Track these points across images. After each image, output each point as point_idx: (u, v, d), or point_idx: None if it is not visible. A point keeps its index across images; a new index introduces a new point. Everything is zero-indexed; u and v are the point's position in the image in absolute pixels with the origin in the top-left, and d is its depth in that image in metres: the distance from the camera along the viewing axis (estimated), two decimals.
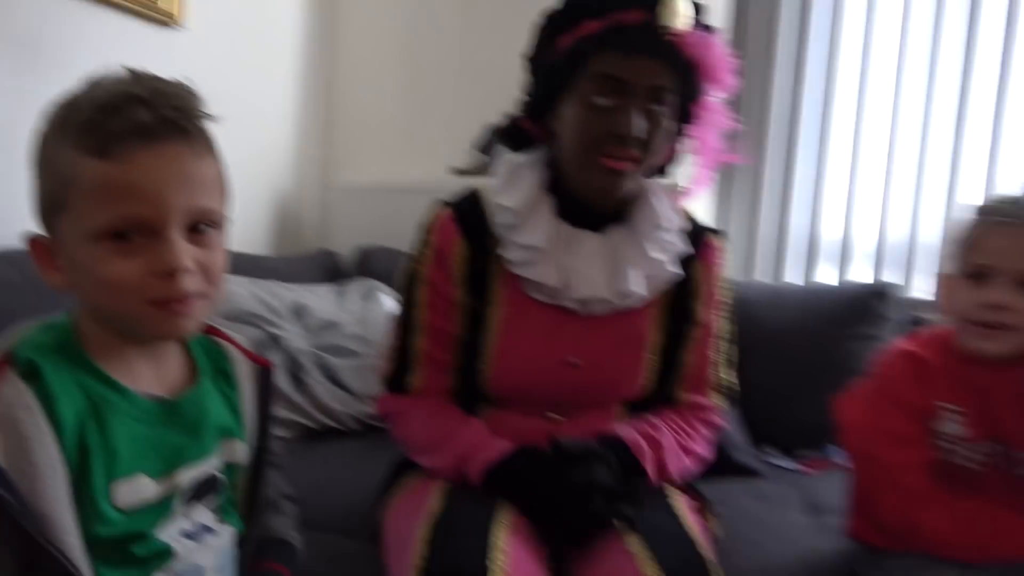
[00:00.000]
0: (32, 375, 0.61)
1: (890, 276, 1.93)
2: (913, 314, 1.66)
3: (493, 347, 1.07)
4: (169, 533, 0.69)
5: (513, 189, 1.05)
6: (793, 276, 2.07)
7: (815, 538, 1.18)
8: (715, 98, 1.06)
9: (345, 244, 2.20)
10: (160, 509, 0.69)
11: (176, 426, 0.70)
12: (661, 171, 1.12)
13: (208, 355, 0.77)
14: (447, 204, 1.11)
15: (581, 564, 0.95)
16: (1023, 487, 0.98)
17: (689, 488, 1.11)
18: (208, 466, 0.73)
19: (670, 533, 0.95)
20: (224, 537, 0.75)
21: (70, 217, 0.63)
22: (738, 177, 2.11)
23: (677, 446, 1.07)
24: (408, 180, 2.26)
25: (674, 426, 1.09)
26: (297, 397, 1.50)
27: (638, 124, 0.97)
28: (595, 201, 1.06)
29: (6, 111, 1.39)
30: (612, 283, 1.04)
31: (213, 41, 1.97)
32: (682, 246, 1.08)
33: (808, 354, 1.64)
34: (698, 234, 1.11)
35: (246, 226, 2.04)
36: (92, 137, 0.61)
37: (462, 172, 2.25)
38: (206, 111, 0.67)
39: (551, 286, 1.04)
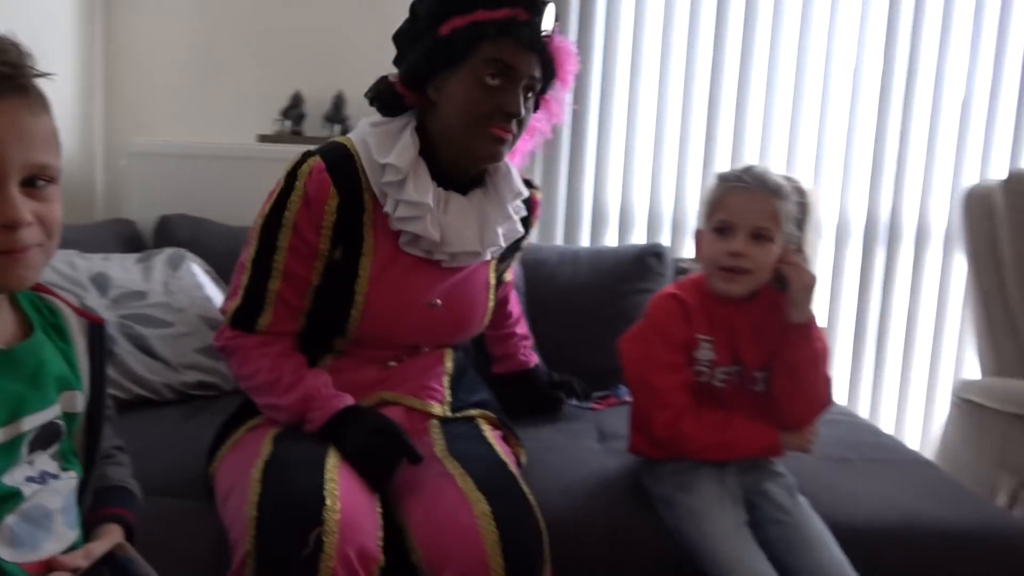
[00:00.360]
0: None
1: (662, 239, 2.24)
2: (680, 267, 1.95)
3: (364, 294, 1.14)
4: (15, 478, 0.70)
5: (394, 150, 1.12)
6: (583, 240, 2.31)
7: (605, 459, 1.38)
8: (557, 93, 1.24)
9: (140, 212, 2.08)
10: (6, 455, 0.69)
11: (16, 376, 0.71)
12: None
13: (38, 312, 0.77)
14: (318, 154, 1.14)
15: (406, 488, 1.06)
16: (757, 400, 1.24)
17: (499, 423, 1.27)
18: (49, 414, 0.74)
19: (482, 457, 1.10)
20: (67, 482, 0.77)
21: None
22: (537, 153, 2.30)
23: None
24: (209, 146, 2.18)
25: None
26: (111, 370, 1.44)
27: (520, 105, 1.12)
28: (471, 165, 1.18)
29: None
30: (482, 238, 1.18)
31: None
32: (523, 208, 1.28)
33: (597, 307, 1.86)
34: (527, 199, 1.30)
35: None
36: None
37: (268, 139, 2.23)
38: (38, 67, 0.67)
39: (430, 240, 1.14)
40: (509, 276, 1.44)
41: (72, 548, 0.75)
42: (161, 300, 1.60)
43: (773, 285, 1.21)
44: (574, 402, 1.68)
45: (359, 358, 1.19)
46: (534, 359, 1.56)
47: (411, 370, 1.22)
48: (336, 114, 2.23)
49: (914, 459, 1.52)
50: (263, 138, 2.22)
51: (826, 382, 1.20)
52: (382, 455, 1.05)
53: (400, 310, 1.16)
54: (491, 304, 1.29)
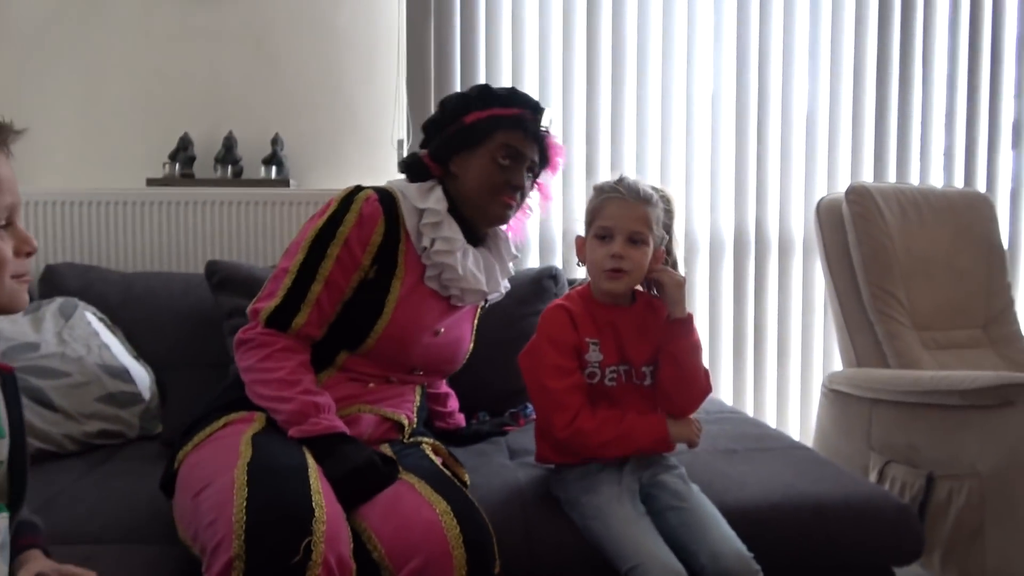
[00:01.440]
0: None
1: (555, 261, 2.38)
2: (572, 284, 2.07)
3: (392, 308, 1.33)
4: None
5: (431, 199, 1.37)
6: None
7: (516, 472, 1.46)
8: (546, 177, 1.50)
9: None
10: None
11: None
12: None
13: None
14: (370, 189, 1.35)
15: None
16: (645, 395, 1.35)
17: (442, 451, 1.40)
18: None
19: (433, 471, 1.23)
20: (2, 522, 0.78)
21: None
22: None
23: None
24: (96, 192, 2.13)
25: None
26: None
27: (524, 180, 1.40)
28: (484, 224, 1.44)
29: None
30: (489, 283, 1.43)
31: None
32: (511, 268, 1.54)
33: (500, 330, 1.93)
34: None
35: None
36: None
37: (156, 182, 2.20)
38: None
39: (450, 277, 1.36)
40: None
41: None
42: (55, 351, 1.55)
43: (650, 292, 1.37)
44: (487, 424, 1.77)
45: (351, 374, 1.34)
46: (462, 421, 1.76)
47: (388, 393, 1.38)
48: (228, 155, 2.23)
49: (793, 446, 1.68)
50: (151, 182, 2.19)
51: (704, 373, 1.34)
52: (370, 483, 1.15)
53: (414, 329, 1.36)
54: (471, 346, 1.53)
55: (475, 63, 2.36)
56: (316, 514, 0.97)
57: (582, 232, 1.39)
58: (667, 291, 1.31)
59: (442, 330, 1.41)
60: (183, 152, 2.23)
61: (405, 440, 1.38)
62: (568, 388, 1.28)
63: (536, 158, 1.42)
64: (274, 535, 0.94)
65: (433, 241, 1.35)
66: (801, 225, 2.54)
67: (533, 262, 2.40)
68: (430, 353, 1.41)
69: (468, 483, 1.38)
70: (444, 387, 1.72)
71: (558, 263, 2.37)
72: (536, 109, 1.42)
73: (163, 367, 1.75)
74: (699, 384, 1.33)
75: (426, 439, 1.41)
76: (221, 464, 1.05)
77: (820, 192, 2.49)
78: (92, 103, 2.26)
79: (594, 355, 1.32)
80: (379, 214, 1.32)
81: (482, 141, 1.38)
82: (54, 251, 2.05)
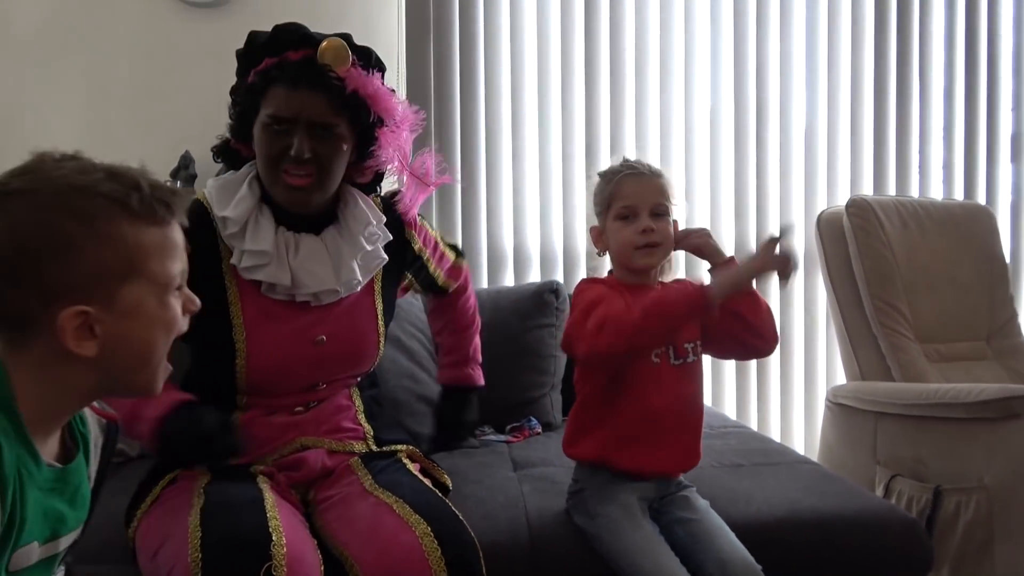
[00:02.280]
0: None
1: (557, 275, 2.37)
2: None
3: (243, 342, 1.16)
4: None
5: (231, 201, 1.16)
6: (482, 283, 2.40)
7: (521, 486, 1.45)
8: (395, 127, 1.23)
9: None
10: (43, 570, 0.72)
11: (62, 495, 0.73)
12: (371, 187, 1.32)
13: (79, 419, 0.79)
14: None
15: (341, 522, 1.09)
16: (689, 375, 1.30)
17: (419, 457, 1.33)
18: (77, 533, 0.76)
19: (411, 485, 1.16)
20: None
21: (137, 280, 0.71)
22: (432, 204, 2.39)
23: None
24: None
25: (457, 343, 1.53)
26: None
27: (303, 147, 1.12)
28: (291, 211, 1.18)
29: None
30: (338, 275, 1.20)
31: None
32: (387, 235, 1.27)
33: (502, 344, 1.93)
34: (394, 216, 1.31)
35: None
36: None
37: None
38: None
39: (283, 284, 1.16)
40: (446, 277, 1.47)
41: None
42: None
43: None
44: (491, 436, 1.75)
45: (265, 408, 1.21)
46: (479, 379, 1.56)
47: (322, 414, 1.25)
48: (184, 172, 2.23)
49: (798, 460, 1.67)
50: None
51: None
52: (215, 446, 1.08)
53: (284, 352, 1.17)
54: (383, 330, 1.29)
55: (474, 79, 2.37)
56: (274, 539, 0.94)
57: (583, 239, 1.36)
58: (704, 247, 1.29)
59: (323, 338, 1.20)
60: (184, 170, 2.23)
61: (373, 449, 1.26)
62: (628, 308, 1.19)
63: (322, 111, 1.13)
64: (231, 564, 0.92)
65: (242, 255, 1.15)
66: (802, 238, 2.54)
67: (534, 276, 2.39)
68: (322, 366, 1.22)
69: (450, 487, 1.33)
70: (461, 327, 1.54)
71: (559, 277, 2.37)
72: (312, 41, 1.14)
73: None
74: (760, 303, 1.31)
75: (399, 446, 1.30)
76: (174, 519, 1.02)
77: (820, 205, 2.49)
78: (94, 121, 2.26)
79: None
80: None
81: (255, 107, 1.15)
82: None
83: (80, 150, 0.76)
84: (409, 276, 1.41)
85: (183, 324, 0.78)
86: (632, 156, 1.35)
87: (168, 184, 0.77)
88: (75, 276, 0.68)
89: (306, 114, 1.12)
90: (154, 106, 2.28)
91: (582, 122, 2.42)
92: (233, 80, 1.23)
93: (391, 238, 1.28)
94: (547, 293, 2.04)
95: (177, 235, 0.76)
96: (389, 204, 1.32)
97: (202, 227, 1.15)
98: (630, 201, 1.27)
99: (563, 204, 2.41)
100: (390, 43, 2.33)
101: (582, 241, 2.39)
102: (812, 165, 2.54)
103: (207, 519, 0.98)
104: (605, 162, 2.43)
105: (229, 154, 1.23)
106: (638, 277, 1.30)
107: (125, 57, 2.27)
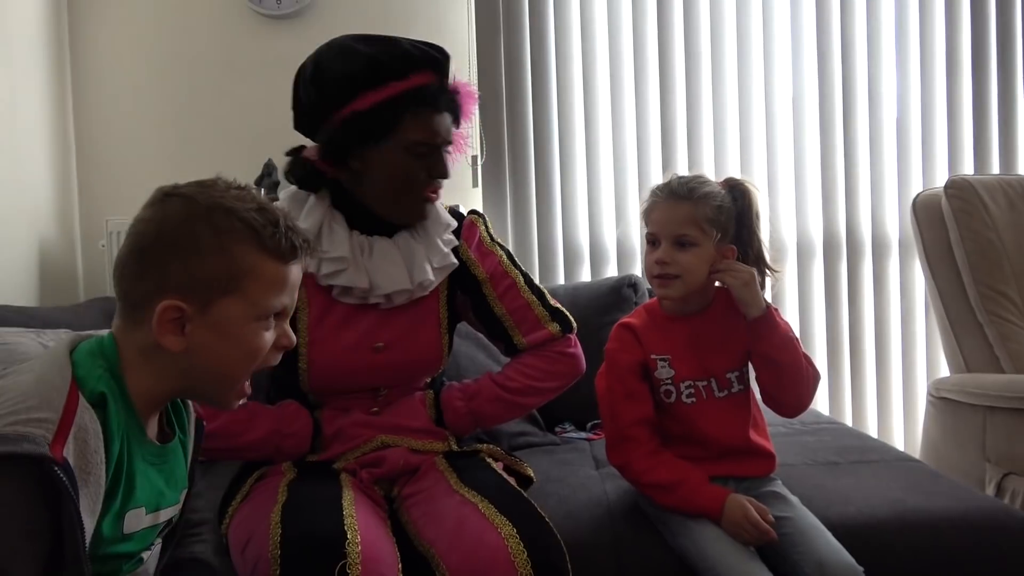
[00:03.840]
0: (98, 405, 0.70)
1: (635, 270, 2.32)
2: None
3: (306, 347, 1.19)
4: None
5: (301, 212, 1.19)
6: (558, 279, 2.38)
7: (604, 484, 1.41)
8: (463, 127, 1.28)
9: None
10: (146, 537, 0.78)
11: (160, 472, 0.80)
12: None
13: (174, 410, 0.87)
14: None
15: (426, 520, 1.09)
16: (732, 409, 1.26)
17: (501, 455, 1.31)
18: (173, 511, 0.83)
19: (496, 484, 1.14)
20: (156, 548, 0.85)
21: (237, 299, 0.77)
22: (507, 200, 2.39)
23: (503, 391, 1.28)
24: None
25: (514, 372, 1.30)
26: None
27: (447, 167, 1.20)
28: (403, 224, 1.23)
29: None
30: (412, 276, 1.21)
31: None
32: (455, 239, 1.29)
33: (581, 341, 1.91)
34: (459, 220, 1.32)
35: (7, 276, 1.90)
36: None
37: None
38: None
39: (361, 288, 1.18)
40: (518, 330, 1.32)
41: None
42: None
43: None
44: (572, 433, 1.72)
45: (339, 408, 1.24)
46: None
47: (397, 415, 1.26)
48: (268, 179, 2.29)
49: (900, 457, 1.58)
50: None
51: (806, 359, 1.24)
52: None
53: (344, 357, 1.20)
54: (447, 339, 1.29)
55: (546, 75, 2.35)
56: (349, 536, 0.95)
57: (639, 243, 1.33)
58: (734, 292, 1.21)
59: (381, 344, 1.22)
60: (268, 178, 2.30)
61: (454, 448, 1.27)
62: (632, 421, 1.23)
63: (451, 126, 1.21)
64: (307, 562, 0.93)
65: (320, 263, 1.18)
66: (896, 223, 2.40)
67: (611, 271, 2.35)
68: (381, 372, 1.23)
69: (535, 479, 1.33)
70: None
71: (637, 271, 2.32)
72: (438, 64, 1.18)
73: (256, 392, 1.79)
74: (803, 377, 1.23)
75: (480, 444, 1.31)
76: (259, 515, 1.04)
77: (915, 188, 2.35)
78: (181, 134, 2.37)
79: (664, 372, 1.25)
80: None
81: (387, 132, 1.15)
82: None
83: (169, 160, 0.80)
84: (466, 298, 1.33)
85: (272, 357, 0.83)
86: (686, 169, 1.32)
87: (307, 237, 0.84)
88: (189, 276, 0.76)
89: (446, 136, 1.19)
90: (237, 116, 2.37)
91: (657, 113, 2.37)
92: None
93: (457, 243, 1.29)
94: (625, 288, 2.00)
95: (293, 276, 0.82)
96: (456, 213, 1.34)
97: None
98: (653, 228, 1.24)
99: (639, 197, 2.37)
100: (460, 42, 2.35)
101: (637, 240, 2.34)
102: (905, 146, 2.40)
103: (287, 516, 1.00)
104: (682, 153, 2.37)
105: (311, 176, 1.21)
106: (679, 305, 1.26)
107: (208, 70, 2.37)
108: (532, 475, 1.33)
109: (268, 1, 2.35)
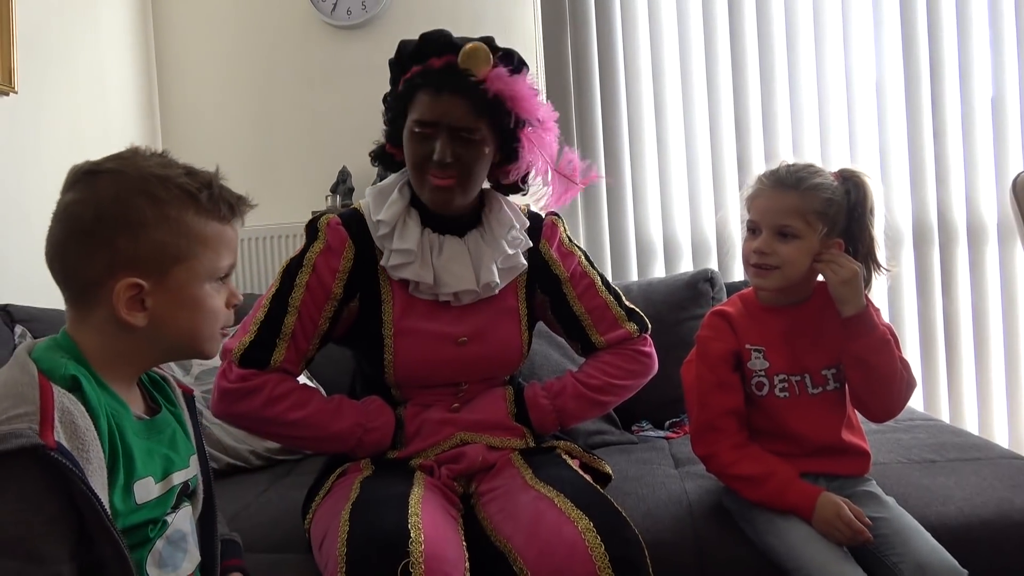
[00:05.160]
0: (73, 389, 0.71)
1: (711, 264, 2.27)
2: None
3: (391, 338, 1.21)
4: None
5: (383, 205, 1.22)
6: (631, 275, 2.34)
7: (684, 483, 1.38)
8: (539, 127, 1.24)
9: None
10: (163, 503, 0.80)
11: (160, 441, 0.81)
12: (515, 188, 1.32)
13: (152, 384, 0.87)
14: (333, 213, 1.26)
15: (503, 515, 1.09)
16: (827, 406, 1.22)
17: (578, 452, 1.30)
18: (187, 474, 0.85)
19: (572, 480, 1.13)
20: (187, 510, 0.86)
21: (189, 265, 0.78)
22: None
23: (584, 389, 1.29)
24: (269, 227, 2.31)
25: (594, 369, 1.31)
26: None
27: (445, 152, 1.15)
28: (436, 212, 1.23)
29: None
30: (477, 277, 1.23)
31: (45, 107, 1.95)
32: (527, 240, 1.29)
33: (655, 338, 1.87)
34: (536, 222, 1.33)
35: None
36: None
37: (323, 214, 2.35)
38: None
39: (427, 283, 1.21)
40: (596, 329, 1.32)
41: (198, 567, 0.86)
42: None
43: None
44: (650, 431, 1.69)
45: (420, 404, 1.25)
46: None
47: (477, 412, 1.26)
48: (343, 186, 2.35)
49: (1003, 455, 1.47)
50: (316, 214, 2.34)
51: (902, 365, 1.18)
52: None
53: (429, 349, 1.22)
54: (527, 336, 1.30)
55: (614, 69, 2.32)
56: (412, 536, 0.95)
57: (736, 225, 1.29)
58: (830, 287, 1.16)
59: (465, 338, 1.23)
60: (343, 184, 2.36)
61: (531, 445, 1.26)
62: (721, 411, 1.20)
63: (463, 115, 1.16)
64: (371, 560, 0.94)
65: (390, 255, 1.20)
66: (994, 207, 2.26)
67: (686, 265, 2.30)
68: (465, 365, 1.24)
69: (612, 475, 1.32)
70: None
71: (713, 265, 2.26)
72: (455, 48, 1.16)
73: (333, 388, 1.84)
74: (896, 384, 1.17)
75: (557, 441, 1.30)
76: (334, 512, 1.06)
77: (1015, 169, 2.20)
78: (261, 143, 2.46)
79: (758, 363, 1.21)
80: (345, 237, 1.21)
81: (403, 112, 1.20)
82: (239, 283, 2.23)
83: (248, 168, 0.81)
84: (545, 297, 1.34)
85: (226, 316, 0.84)
86: (791, 158, 1.26)
87: (240, 194, 0.84)
88: (139, 251, 0.76)
89: (448, 119, 1.16)
90: (312, 125, 2.44)
91: (729, 102, 2.31)
92: (383, 93, 1.29)
93: (531, 244, 1.30)
94: (701, 282, 1.95)
95: (232, 234, 0.83)
96: (533, 214, 1.34)
97: (360, 232, 1.23)
98: (755, 216, 1.20)
99: (713, 190, 2.31)
100: (527, 41, 2.35)
101: (735, 227, 2.26)
102: (1002, 125, 2.25)
103: (354, 514, 1.01)
104: (757, 143, 2.29)
105: (385, 158, 1.29)
106: (776, 296, 1.21)
107: (284, 82, 2.45)
108: (610, 471, 1.32)
109: (339, 12, 2.42)
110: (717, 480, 1.30)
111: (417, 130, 1.17)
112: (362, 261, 1.21)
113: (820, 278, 1.21)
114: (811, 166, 1.21)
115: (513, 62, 1.21)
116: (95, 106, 2.16)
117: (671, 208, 2.34)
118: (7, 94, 1.80)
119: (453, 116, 1.15)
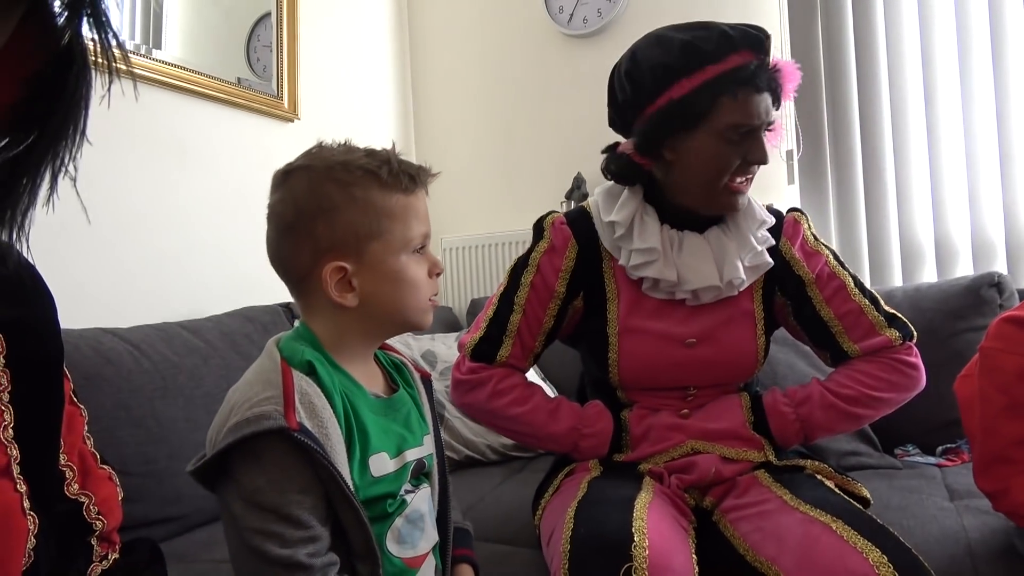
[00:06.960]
0: (310, 373, 0.79)
1: (997, 267, 1.94)
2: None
3: (616, 336, 1.19)
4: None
5: (614, 206, 1.20)
6: (895, 281, 2.08)
7: (962, 518, 1.19)
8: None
9: (455, 298, 2.35)
10: (398, 478, 0.84)
11: (395, 419, 0.87)
12: None
13: (392, 366, 0.94)
14: (559, 212, 1.27)
15: (763, 535, 1.00)
16: None
17: (831, 473, 1.17)
18: (421, 452, 0.89)
19: (843, 505, 1.00)
20: (426, 491, 0.90)
21: (383, 240, 0.82)
22: (830, 195, 2.17)
23: (835, 399, 1.16)
24: (508, 233, 2.42)
25: (846, 378, 1.18)
26: (442, 433, 1.62)
27: (765, 151, 1.13)
28: (712, 214, 1.19)
29: (161, 206, 1.59)
30: (721, 273, 1.16)
31: (323, 131, 2.22)
32: (771, 238, 1.21)
33: (925, 352, 1.64)
34: (778, 219, 1.24)
35: None
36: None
37: (550, 213, 2.41)
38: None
39: (669, 281, 1.16)
40: (848, 335, 1.20)
41: (435, 547, 0.89)
42: None
43: None
44: (917, 457, 1.49)
45: (648, 407, 1.21)
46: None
47: (709, 419, 1.19)
48: (577, 192, 2.35)
49: None
50: None
51: None
52: None
53: (654, 349, 1.18)
54: (763, 341, 1.21)
55: (874, 52, 2.09)
56: (636, 540, 0.90)
57: None
58: None
59: (693, 340, 1.17)
60: (577, 190, 2.40)
61: (772, 460, 1.16)
62: (1015, 439, 1.00)
63: (771, 107, 1.12)
64: (593, 561, 0.90)
65: (630, 255, 1.17)
66: None
67: (965, 269, 1.99)
68: (692, 368, 1.18)
69: (871, 501, 1.16)
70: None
71: (1000, 268, 1.94)
72: (758, 43, 1.10)
73: (563, 390, 1.86)
74: None
75: (804, 461, 1.17)
76: (561, 510, 1.04)
77: None
78: (503, 152, 2.58)
79: None
80: (568, 236, 1.21)
81: (701, 117, 1.10)
82: (476, 287, 2.35)
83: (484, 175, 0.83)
84: (785, 301, 1.24)
85: (431, 286, 0.87)
86: None
87: (420, 164, 0.87)
88: (336, 234, 0.80)
89: (766, 117, 1.12)
90: (549, 134, 2.51)
91: (1020, 84, 1.95)
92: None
93: (773, 243, 1.21)
94: (985, 288, 1.68)
95: (418, 204, 0.85)
96: (773, 210, 1.26)
97: (584, 231, 1.23)
98: None
99: (1001, 182, 1.97)
100: (772, 25, 2.20)
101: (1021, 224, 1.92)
102: None
103: (580, 513, 0.99)
104: None
105: (631, 171, 1.20)
106: None
107: (524, 92, 2.55)
108: (868, 496, 1.16)
109: (575, 21, 2.46)
110: (1006, 519, 1.10)
111: (736, 136, 1.10)
112: (585, 259, 1.21)
113: None
114: None
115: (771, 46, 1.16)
116: (362, 126, 2.41)
117: (943, 206, 2.04)
118: (291, 121, 2.08)
119: (769, 114, 1.12)
